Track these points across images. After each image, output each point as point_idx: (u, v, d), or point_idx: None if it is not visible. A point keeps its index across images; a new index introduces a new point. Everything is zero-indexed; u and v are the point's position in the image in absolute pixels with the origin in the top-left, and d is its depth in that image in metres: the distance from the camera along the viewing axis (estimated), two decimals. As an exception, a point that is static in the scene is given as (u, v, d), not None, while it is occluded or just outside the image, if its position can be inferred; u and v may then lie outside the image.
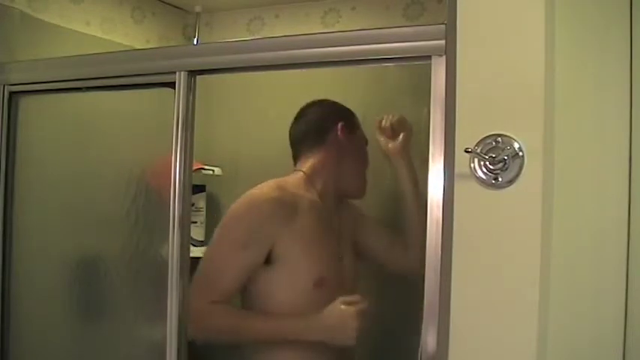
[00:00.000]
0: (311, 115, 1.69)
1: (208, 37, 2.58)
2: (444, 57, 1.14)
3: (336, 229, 1.63)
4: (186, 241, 1.43)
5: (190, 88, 1.42)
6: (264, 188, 1.56)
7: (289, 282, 1.51)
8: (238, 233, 1.52)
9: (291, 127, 1.70)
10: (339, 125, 1.64)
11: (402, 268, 1.72)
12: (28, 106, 1.69)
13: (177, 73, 1.41)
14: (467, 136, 1.07)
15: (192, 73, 1.41)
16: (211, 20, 2.62)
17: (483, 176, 1.06)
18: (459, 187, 1.09)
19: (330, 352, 1.51)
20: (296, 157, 1.68)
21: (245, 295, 1.56)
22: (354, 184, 1.68)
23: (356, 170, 1.68)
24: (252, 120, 2.41)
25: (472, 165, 1.07)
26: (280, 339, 1.49)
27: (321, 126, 1.66)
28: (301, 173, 1.63)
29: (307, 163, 1.64)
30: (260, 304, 1.54)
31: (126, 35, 2.38)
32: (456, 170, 1.09)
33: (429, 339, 1.15)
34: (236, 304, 1.57)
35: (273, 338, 1.49)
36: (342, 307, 1.46)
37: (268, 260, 1.51)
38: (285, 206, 1.52)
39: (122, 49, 2.24)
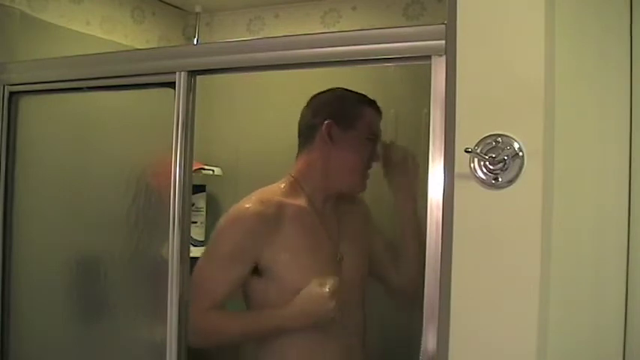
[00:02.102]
0: (304, 112, 1.64)
1: (208, 37, 2.58)
2: (444, 57, 1.14)
3: (331, 231, 1.60)
4: (186, 241, 1.43)
5: (190, 88, 1.42)
6: (248, 202, 1.54)
7: (276, 292, 1.51)
8: (223, 248, 1.54)
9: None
10: (325, 124, 1.56)
11: (391, 285, 1.72)
12: (28, 106, 1.70)
13: (177, 73, 1.41)
14: (467, 136, 1.07)
15: (192, 73, 1.42)
16: (211, 20, 2.62)
17: (483, 176, 1.06)
18: (459, 187, 1.09)
19: (331, 351, 1.54)
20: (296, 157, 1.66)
21: (247, 305, 1.59)
22: (347, 181, 1.62)
23: (349, 167, 1.60)
24: (252, 120, 2.41)
25: (472, 165, 1.07)
26: (268, 332, 1.52)
27: (309, 124, 1.61)
28: (291, 178, 1.61)
29: (297, 166, 1.62)
30: None
31: (126, 35, 2.38)
32: (456, 170, 1.09)
33: (429, 339, 1.15)
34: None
35: (261, 332, 1.53)
36: (315, 288, 1.47)
37: (258, 272, 1.53)
38: (266, 221, 1.51)
39: (122, 49, 2.24)
